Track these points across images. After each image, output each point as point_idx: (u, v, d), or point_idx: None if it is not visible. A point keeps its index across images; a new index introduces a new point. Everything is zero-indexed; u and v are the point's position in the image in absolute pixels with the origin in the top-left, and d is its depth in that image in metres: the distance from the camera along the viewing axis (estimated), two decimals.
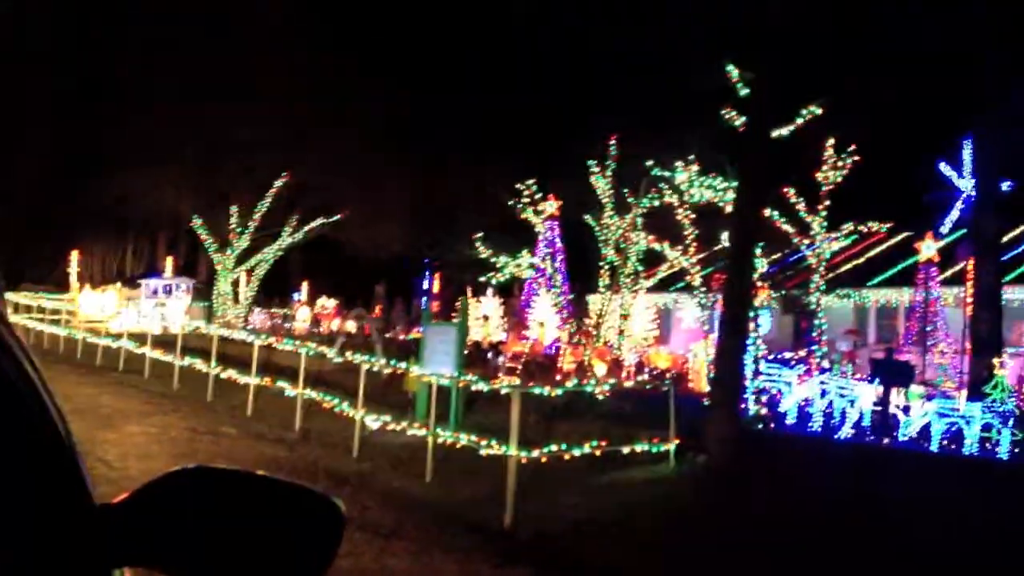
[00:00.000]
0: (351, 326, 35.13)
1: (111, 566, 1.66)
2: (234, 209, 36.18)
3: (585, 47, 28.13)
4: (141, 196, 38.48)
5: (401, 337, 32.84)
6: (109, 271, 57.85)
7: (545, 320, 30.65)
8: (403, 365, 18.39)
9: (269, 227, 37.48)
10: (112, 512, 1.66)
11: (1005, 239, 24.65)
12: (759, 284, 22.08)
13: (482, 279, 31.30)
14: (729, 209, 20.71)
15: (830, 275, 26.50)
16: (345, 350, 22.76)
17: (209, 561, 1.65)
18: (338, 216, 37.10)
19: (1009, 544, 11.30)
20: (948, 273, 26.90)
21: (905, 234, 30.89)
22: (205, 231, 36.81)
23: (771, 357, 22.51)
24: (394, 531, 10.23)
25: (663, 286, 33.55)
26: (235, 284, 38.83)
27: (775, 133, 18.24)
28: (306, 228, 37.47)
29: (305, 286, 45.58)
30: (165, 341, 24.49)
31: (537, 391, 15.74)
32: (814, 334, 24.54)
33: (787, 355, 23.33)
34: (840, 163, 23.06)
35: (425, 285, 43.62)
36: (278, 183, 35.13)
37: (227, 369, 19.55)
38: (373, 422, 16.00)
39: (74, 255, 41.53)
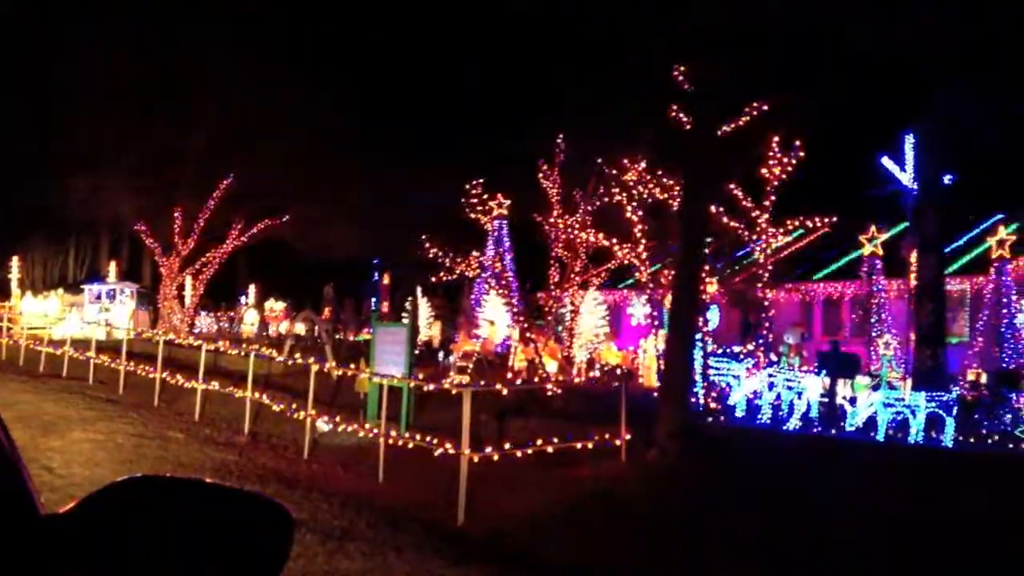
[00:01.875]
0: (300, 328, 34.85)
1: None
2: (178, 212, 35.68)
3: (533, 44, 28.24)
4: (82, 199, 37.76)
5: (351, 338, 32.67)
6: (51, 276, 56.78)
7: (495, 319, 30.66)
8: (353, 366, 18.32)
9: (214, 230, 37.00)
10: (58, 522, 1.63)
11: (946, 231, 25.15)
12: (707, 279, 22.28)
13: (432, 279, 31.23)
14: (677, 206, 20.89)
15: (776, 269, 26.84)
16: (294, 352, 22.60)
17: (157, 571, 1.64)
18: (285, 218, 36.76)
19: (952, 530, 11.54)
20: (891, 266, 27.38)
21: (849, 228, 31.40)
22: (149, 235, 36.25)
23: (719, 351, 22.74)
24: (346, 532, 10.18)
25: (613, 283, 33.77)
26: (180, 288, 38.30)
27: (720, 130, 18.42)
28: (252, 230, 37.05)
29: (253, 289, 45.13)
30: (110, 347, 24.11)
31: (488, 390, 15.76)
32: (761, 328, 24.85)
33: (735, 349, 23.58)
34: (785, 159, 23.37)
35: (374, 286, 43.43)
36: (223, 185, 34.70)
37: (174, 374, 19.33)
38: (324, 424, 15.92)
39: (14, 261, 40.65)
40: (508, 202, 31.51)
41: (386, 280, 42.19)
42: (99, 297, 37.75)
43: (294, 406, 16.15)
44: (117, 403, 18.55)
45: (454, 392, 15.19)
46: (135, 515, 1.64)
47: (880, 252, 26.82)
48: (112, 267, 42.21)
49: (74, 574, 1.65)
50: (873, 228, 26.69)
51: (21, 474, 1.64)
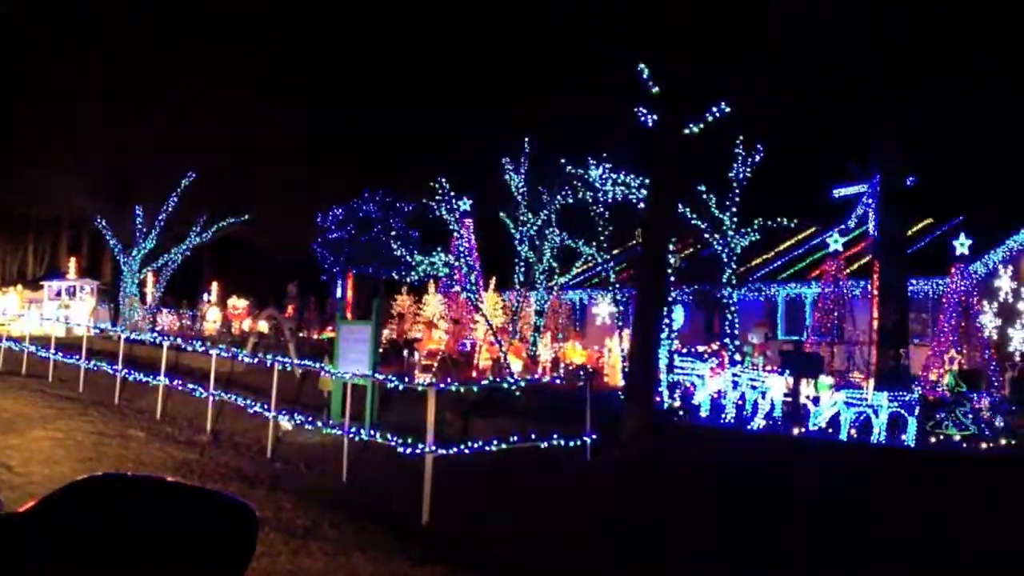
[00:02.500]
0: (263, 326, 34.61)
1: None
2: (140, 208, 35.26)
3: (499, 46, 28.24)
4: (42, 194, 37.21)
5: (315, 336, 32.48)
6: (9, 273, 55.98)
7: (459, 318, 30.65)
8: (317, 364, 18.20)
9: (176, 227, 36.61)
10: (18, 521, 1.60)
11: (909, 232, 25.42)
12: (672, 279, 22.38)
13: (396, 277, 31.17)
14: (642, 206, 20.96)
15: (741, 270, 27.01)
16: (258, 350, 22.43)
17: (119, 570, 1.61)
18: (247, 216, 36.47)
19: (911, 523, 11.66)
20: (855, 266, 27.63)
21: (812, 229, 31.69)
22: (110, 231, 35.78)
23: (684, 351, 22.82)
24: (310, 531, 10.11)
25: (578, 282, 33.86)
26: (142, 285, 37.85)
27: (686, 131, 18.49)
28: (214, 228, 36.71)
29: (215, 286, 44.72)
30: (69, 344, 23.79)
31: (453, 388, 15.72)
32: (726, 328, 24.99)
33: (700, 348, 23.67)
34: (749, 160, 23.53)
35: (339, 284, 43.18)
36: (185, 182, 34.35)
37: (135, 371, 19.10)
38: (287, 422, 15.81)
39: None
40: (472, 201, 31.47)
41: (350, 278, 41.96)
42: (59, 294, 37.27)
43: (257, 404, 16.02)
44: (77, 401, 18.31)
45: (419, 391, 15.14)
46: (96, 514, 1.61)
47: (844, 252, 27.04)
48: (72, 263, 41.65)
49: (34, 572, 1.62)
50: (837, 229, 26.90)
51: None
